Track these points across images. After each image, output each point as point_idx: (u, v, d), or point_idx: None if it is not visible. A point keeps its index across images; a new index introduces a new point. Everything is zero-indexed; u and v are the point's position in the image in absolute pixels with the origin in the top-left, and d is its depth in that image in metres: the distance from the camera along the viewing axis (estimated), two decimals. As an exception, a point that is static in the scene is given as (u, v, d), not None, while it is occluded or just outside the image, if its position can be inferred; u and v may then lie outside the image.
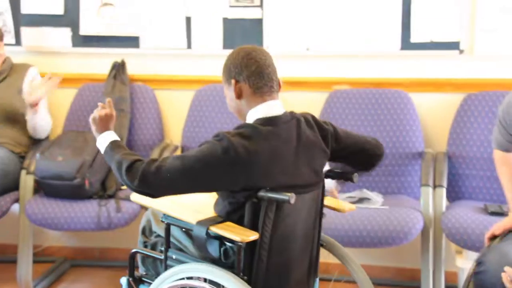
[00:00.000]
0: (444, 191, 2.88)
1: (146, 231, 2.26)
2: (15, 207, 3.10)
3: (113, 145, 1.99)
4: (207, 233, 1.85)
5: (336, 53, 3.25)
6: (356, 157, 2.11)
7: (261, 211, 1.83)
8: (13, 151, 3.18)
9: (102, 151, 2.01)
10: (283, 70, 3.30)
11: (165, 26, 3.37)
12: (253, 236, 1.81)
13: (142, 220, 2.30)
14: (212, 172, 1.80)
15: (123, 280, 2.20)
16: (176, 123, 3.43)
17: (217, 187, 1.88)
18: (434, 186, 2.89)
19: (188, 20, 3.35)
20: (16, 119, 3.23)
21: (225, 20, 3.32)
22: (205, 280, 1.89)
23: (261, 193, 1.82)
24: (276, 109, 1.92)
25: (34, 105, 3.13)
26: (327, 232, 2.68)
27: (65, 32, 3.45)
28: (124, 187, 3.08)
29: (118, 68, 3.38)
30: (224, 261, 1.89)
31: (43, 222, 2.94)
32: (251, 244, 1.85)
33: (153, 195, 1.87)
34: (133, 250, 2.16)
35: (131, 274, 2.17)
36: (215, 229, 1.85)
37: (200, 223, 1.87)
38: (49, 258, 3.52)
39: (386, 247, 2.67)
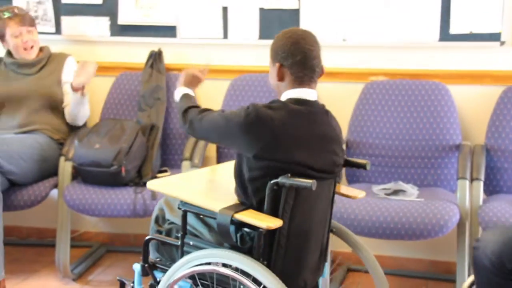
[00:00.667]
0: (481, 184, 2.84)
1: (160, 220, 2.29)
2: (54, 192, 3.17)
3: (185, 96, 2.28)
4: (231, 221, 1.89)
5: (373, 43, 3.22)
6: None
7: (282, 198, 1.87)
8: (52, 138, 3.24)
9: (177, 99, 2.29)
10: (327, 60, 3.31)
11: (201, 16, 3.39)
12: (277, 223, 1.85)
13: (155, 209, 2.34)
14: (232, 131, 1.92)
15: (136, 266, 2.23)
16: (212, 112, 3.44)
17: (236, 146, 1.98)
18: (471, 179, 2.85)
19: (224, 10, 3.36)
20: (55, 107, 3.29)
21: (262, 10, 3.32)
22: (224, 265, 1.92)
23: (283, 180, 1.85)
24: (310, 95, 2.00)
25: (78, 89, 3.18)
26: (360, 223, 2.68)
27: (104, 21, 3.49)
28: (160, 174, 3.16)
29: (155, 57, 3.41)
30: (241, 246, 1.93)
31: (81, 208, 3.00)
32: (270, 230, 1.88)
33: (197, 137, 2.26)
34: (148, 237, 2.18)
35: (145, 260, 2.19)
36: (240, 217, 1.88)
37: (223, 210, 1.91)
38: (86, 243, 3.59)
39: (421, 239, 2.65)
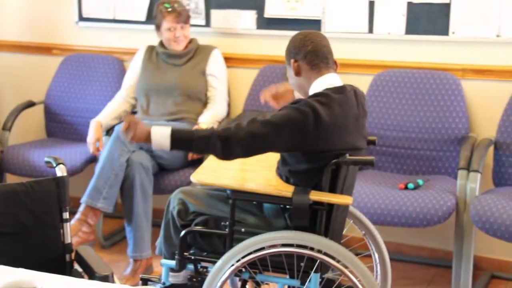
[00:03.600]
0: None
1: (182, 214, 2.26)
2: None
3: (175, 132, 2.06)
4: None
5: (530, 40, 3.04)
6: None
7: (340, 176, 2.04)
8: (198, 126, 3.39)
9: (168, 145, 2.04)
10: (469, 57, 3.19)
11: (347, 9, 3.36)
12: (349, 200, 2.09)
13: (172, 204, 2.30)
14: (296, 135, 2.00)
15: (165, 262, 2.26)
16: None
17: (299, 148, 2.04)
18: None
19: (371, 3, 3.31)
20: (199, 98, 3.43)
21: (410, 4, 3.23)
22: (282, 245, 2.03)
23: (345, 159, 2.00)
24: (337, 80, 2.14)
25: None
26: (490, 220, 2.54)
27: (251, 15, 3.57)
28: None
29: (299, 51, 3.43)
30: (290, 225, 2.09)
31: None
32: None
33: (246, 156, 2.07)
34: (186, 230, 2.18)
35: (182, 254, 2.20)
36: (316, 197, 2.02)
37: (298, 194, 2.02)
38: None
39: None
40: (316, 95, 2.07)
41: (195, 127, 3.16)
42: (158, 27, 3.44)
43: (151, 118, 3.37)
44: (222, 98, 3.46)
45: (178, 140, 2.05)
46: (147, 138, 2.08)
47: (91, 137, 3.33)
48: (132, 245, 3.08)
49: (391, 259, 3.26)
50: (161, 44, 3.50)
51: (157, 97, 3.43)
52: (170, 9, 3.37)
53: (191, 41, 3.51)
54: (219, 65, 3.49)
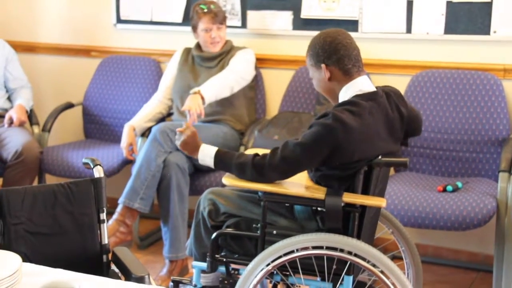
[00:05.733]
0: None
1: (213, 214, 2.26)
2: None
3: (220, 154, 2.17)
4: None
5: None
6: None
7: (373, 178, 2.03)
8: (234, 128, 3.39)
9: (212, 164, 2.17)
10: (511, 56, 3.11)
11: (385, 9, 3.32)
12: (383, 202, 2.05)
13: (203, 205, 2.29)
14: (327, 151, 1.99)
15: (197, 264, 2.26)
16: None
17: (334, 161, 2.03)
18: None
19: (409, 3, 3.26)
20: (235, 99, 3.42)
21: (449, 4, 3.18)
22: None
23: (377, 161, 2.01)
24: (367, 85, 2.09)
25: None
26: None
27: (287, 16, 3.56)
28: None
29: (336, 51, 3.40)
30: (322, 228, 2.09)
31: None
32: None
33: (282, 179, 2.10)
34: (217, 233, 2.18)
35: (213, 256, 2.19)
36: (349, 199, 2.01)
37: (331, 196, 2.01)
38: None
39: None
40: (344, 103, 2.04)
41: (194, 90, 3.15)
42: (194, 28, 3.45)
43: (187, 120, 3.39)
44: (230, 71, 3.33)
45: (220, 161, 2.17)
46: (194, 151, 2.21)
47: (123, 141, 3.37)
48: (168, 246, 3.10)
49: (430, 263, 3.24)
50: (197, 46, 3.51)
51: (191, 99, 3.43)
52: (206, 10, 3.37)
53: (226, 42, 3.51)
54: (243, 54, 3.42)
